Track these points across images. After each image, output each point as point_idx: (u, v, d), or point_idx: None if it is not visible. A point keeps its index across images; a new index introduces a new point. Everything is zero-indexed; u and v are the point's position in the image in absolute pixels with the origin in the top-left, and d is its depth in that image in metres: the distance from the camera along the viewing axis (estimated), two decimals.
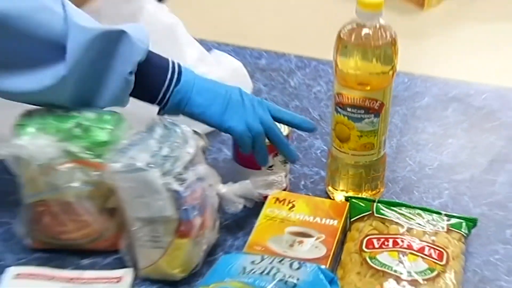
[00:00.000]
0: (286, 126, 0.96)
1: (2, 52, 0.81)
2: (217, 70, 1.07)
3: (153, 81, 0.87)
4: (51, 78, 0.81)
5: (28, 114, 0.87)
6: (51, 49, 0.81)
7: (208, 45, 1.25)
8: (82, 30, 0.81)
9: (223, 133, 1.05)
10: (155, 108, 0.91)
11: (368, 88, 0.89)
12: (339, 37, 0.88)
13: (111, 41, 0.82)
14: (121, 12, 1.09)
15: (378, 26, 0.87)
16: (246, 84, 1.14)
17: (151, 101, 0.89)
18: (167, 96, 0.88)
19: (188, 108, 0.89)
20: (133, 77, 0.85)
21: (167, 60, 0.89)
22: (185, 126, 0.86)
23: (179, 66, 0.89)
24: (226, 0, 1.47)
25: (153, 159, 0.81)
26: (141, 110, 0.89)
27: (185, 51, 1.08)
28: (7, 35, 0.79)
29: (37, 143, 0.84)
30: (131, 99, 0.89)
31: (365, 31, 0.87)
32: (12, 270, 0.87)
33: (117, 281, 0.85)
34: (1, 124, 0.87)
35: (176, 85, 0.88)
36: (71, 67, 0.81)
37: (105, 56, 0.83)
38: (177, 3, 1.14)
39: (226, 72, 1.09)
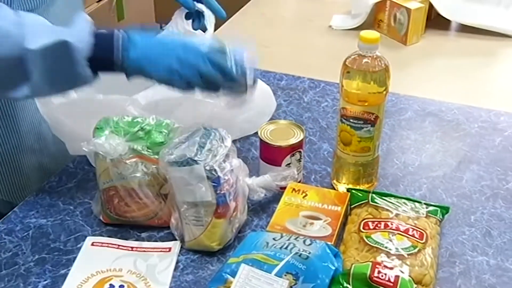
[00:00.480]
0: (302, 133, 0.91)
1: None
2: None
3: (106, 58, 0.74)
4: (28, 90, 0.73)
5: (104, 120, 0.84)
6: (17, 68, 0.72)
7: None
8: (32, 52, 0.71)
9: (252, 137, 1.02)
10: (199, 116, 0.86)
11: (366, 104, 0.84)
12: (344, 64, 0.84)
13: (58, 52, 0.72)
14: None
15: (375, 56, 0.83)
16: (271, 102, 1.08)
17: (113, 71, 0.75)
18: (123, 63, 0.75)
19: (146, 72, 0.76)
20: (87, 70, 0.73)
21: (111, 35, 0.75)
22: (221, 128, 0.82)
23: (127, 35, 0.75)
24: (258, 37, 1.43)
25: (198, 154, 0.76)
26: (187, 119, 0.85)
27: None
28: None
29: (110, 142, 0.80)
30: None
31: (365, 60, 0.83)
32: (89, 239, 0.83)
33: (168, 251, 0.81)
34: (85, 128, 0.84)
35: (126, 53, 0.74)
36: (37, 80, 0.73)
37: (58, 65, 0.73)
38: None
39: (257, 92, 1.03)
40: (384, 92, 0.85)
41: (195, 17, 1.01)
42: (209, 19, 1.00)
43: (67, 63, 0.73)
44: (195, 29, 1.01)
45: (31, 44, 0.71)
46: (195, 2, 0.98)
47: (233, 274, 0.70)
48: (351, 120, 0.86)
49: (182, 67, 0.75)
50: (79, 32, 0.74)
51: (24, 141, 0.95)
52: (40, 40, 0.72)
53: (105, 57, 0.75)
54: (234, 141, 0.83)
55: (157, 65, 0.76)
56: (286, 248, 0.73)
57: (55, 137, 0.97)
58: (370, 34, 0.82)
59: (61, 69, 0.74)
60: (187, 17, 1.02)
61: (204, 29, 1.01)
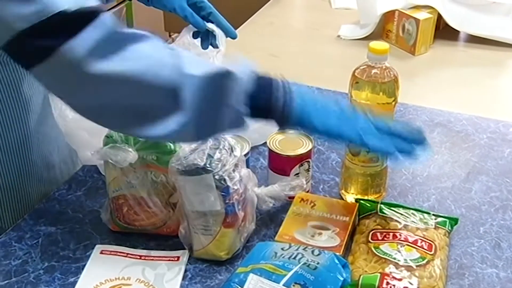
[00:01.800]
0: (310, 142, 0.90)
1: (132, 106, 0.68)
2: None
3: (267, 103, 0.69)
4: (176, 124, 0.67)
5: None
6: (170, 97, 0.66)
7: None
8: (193, 78, 0.67)
9: (260, 146, 1.02)
10: None
11: None
12: (353, 75, 0.84)
13: (220, 80, 0.68)
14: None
15: (384, 67, 0.83)
16: None
17: (270, 118, 0.71)
18: (286, 113, 0.70)
19: (309, 121, 0.71)
20: (245, 107, 0.68)
21: (276, 81, 0.71)
22: (231, 137, 0.82)
23: (288, 83, 0.71)
24: (266, 47, 1.43)
25: (207, 163, 0.76)
26: None
27: None
28: (132, 91, 0.67)
29: (120, 151, 0.80)
30: None
31: (374, 70, 0.83)
32: (98, 247, 0.83)
33: (176, 260, 0.81)
34: (96, 136, 0.84)
35: (291, 102, 0.70)
36: (189, 112, 0.67)
37: (217, 94, 0.68)
38: (230, 49, 1.10)
39: None
40: (393, 103, 0.84)
41: (204, 37, 1.00)
42: (221, 37, 1.00)
43: (225, 94, 0.68)
44: (204, 49, 1.01)
45: (192, 70, 0.67)
46: (205, 22, 0.98)
47: (241, 284, 0.70)
48: None
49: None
50: (242, 67, 0.70)
51: (33, 171, 0.94)
52: (201, 68, 0.68)
53: (265, 96, 0.69)
54: None
55: (325, 114, 0.71)
56: (294, 258, 0.73)
57: (61, 164, 0.98)
58: (379, 45, 0.82)
59: (217, 101, 0.68)
60: (195, 36, 1.01)
61: (215, 46, 1.01)
